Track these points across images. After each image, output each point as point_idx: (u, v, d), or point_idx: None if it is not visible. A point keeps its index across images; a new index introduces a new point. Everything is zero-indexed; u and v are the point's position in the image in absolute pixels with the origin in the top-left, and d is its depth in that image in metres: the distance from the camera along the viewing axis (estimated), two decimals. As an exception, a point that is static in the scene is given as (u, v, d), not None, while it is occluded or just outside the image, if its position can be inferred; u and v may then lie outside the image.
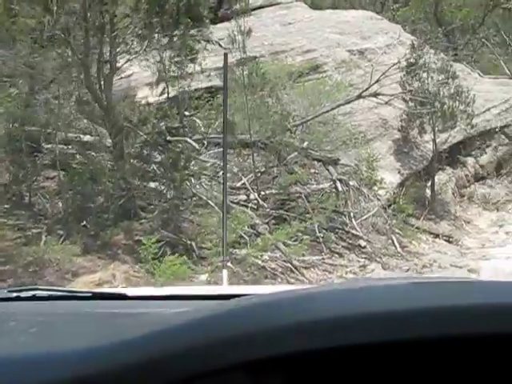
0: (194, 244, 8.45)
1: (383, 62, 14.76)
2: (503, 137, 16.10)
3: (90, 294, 1.87)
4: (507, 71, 21.53)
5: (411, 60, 13.08)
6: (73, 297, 1.85)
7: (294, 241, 9.31)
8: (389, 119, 13.74)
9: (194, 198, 9.16)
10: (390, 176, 12.49)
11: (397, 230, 11.46)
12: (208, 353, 0.89)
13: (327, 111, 10.31)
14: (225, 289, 3.14)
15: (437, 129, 12.91)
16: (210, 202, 8.88)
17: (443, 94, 12.87)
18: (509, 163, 15.89)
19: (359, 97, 10.43)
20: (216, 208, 8.68)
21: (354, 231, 10.43)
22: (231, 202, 9.38)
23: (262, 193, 9.67)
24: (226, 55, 5.31)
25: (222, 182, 10.24)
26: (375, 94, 10.30)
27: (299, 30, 17.07)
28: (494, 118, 15.96)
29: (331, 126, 12.14)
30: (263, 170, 10.12)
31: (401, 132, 13.26)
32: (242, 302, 1.06)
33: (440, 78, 13.13)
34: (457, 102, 12.92)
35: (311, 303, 0.96)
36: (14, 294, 1.77)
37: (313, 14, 18.57)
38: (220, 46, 15.56)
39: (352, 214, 10.82)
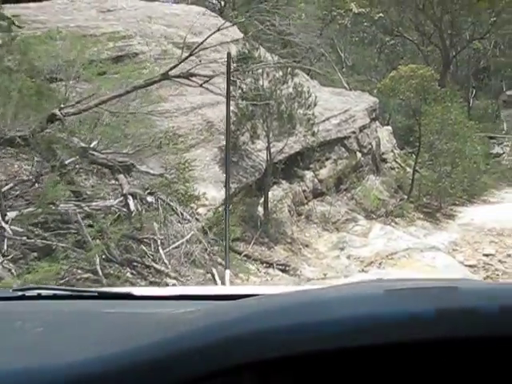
0: None
1: (215, 58, 11.65)
2: (343, 149, 13.49)
3: (96, 294, 1.71)
4: (345, 84, 19.40)
5: (244, 51, 9.94)
6: (78, 296, 1.68)
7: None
8: (215, 122, 10.51)
9: None
10: (213, 190, 9.19)
11: (219, 260, 8.15)
12: (216, 353, 0.83)
13: (119, 95, 6.80)
14: (228, 289, 2.90)
15: (272, 134, 9.84)
16: None
17: (280, 93, 9.83)
18: (349, 178, 13.29)
19: (164, 76, 7.05)
20: None
21: (158, 265, 6.94)
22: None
23: (13, 213, 5.85)
24: (229, 54, 5.41)
25: None
26: (188, 75, 6.97)
27: (119, 18, 13.53)
28: (333, 129, 13.32)
29: (138, 125, 8.63)
30: (24, 177, 6.37)
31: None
32: (248, 302, 1.01)
33: (277, 76, 10.11)
34: (296, 104, 9.93)
35: (321, 304, 0.89)
36: (19, 293, 1.62)
37: (139, 3, 15.12)
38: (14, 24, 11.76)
39: (159, 242, 7.34)
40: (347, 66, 22.75)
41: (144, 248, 6.91)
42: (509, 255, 12.63)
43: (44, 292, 1.64)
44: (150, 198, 6.52)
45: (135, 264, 6.93)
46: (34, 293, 1.63)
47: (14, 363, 0.94)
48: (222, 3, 25.79)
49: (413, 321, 0.82)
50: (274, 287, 4.33)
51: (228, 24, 14.55)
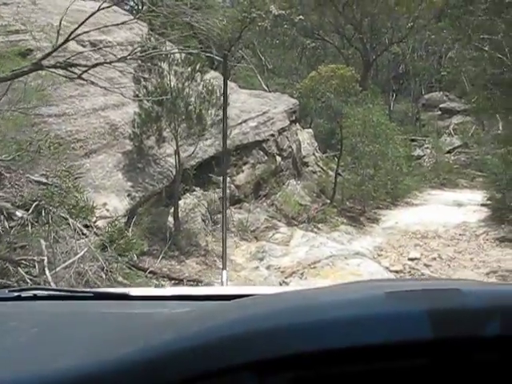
0: None
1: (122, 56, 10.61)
2: (262, 153, 12.69)
3: (92, 294, 1.65)
4: (264, 86, 18.70)
5: (148, 45, 8.96)
6: (74, 297, 1.64)
7: None
8: (120, 125, 9.46)
9: None
10: (115, 200, 8.15)
11: (120, 279, 7.14)
12: (213, 353, 0.81)
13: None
14: (225, 289, 2.80)
15: (180, 137, 8.89)
16: None
17: (188, 91, 8.91)
18: (268, 183, 12.49)
19: (36, 66, 5.98)
20: None
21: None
22: None
23: None
24: (225, 55, 5.54)
25: None
26: (66, 65, 5.91)
27: (16, 13, 12.24)
28: (251, 131, 12.51)
29: (32, 129, 7.53)
30: None
31: (133, 141, 9.00)
32: (244, 302, 0.98)
33: (186, 74, 9.19)
34: (206, 103, 9.03)
35: (317, 304, 0.88)
36: (15, 294, 1.58)
37: (39, -1, 13.81)
38: None
39: (46, 262, 6.25)
40: (268, 69, 22.07)
41: (21, 271, 5.79)
42: (434, 258, 12.21)
43: (40, 293, 1.61)
44: (19, 213, 5.43)
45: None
46: (30, 293, 1.60)
47: (11, 366, 0.91)
48: (140, 6, 24.75)
49: (407, 321, 0.81)
50: (270, 287, 4.35)
51: (143, 25, 13.51)
